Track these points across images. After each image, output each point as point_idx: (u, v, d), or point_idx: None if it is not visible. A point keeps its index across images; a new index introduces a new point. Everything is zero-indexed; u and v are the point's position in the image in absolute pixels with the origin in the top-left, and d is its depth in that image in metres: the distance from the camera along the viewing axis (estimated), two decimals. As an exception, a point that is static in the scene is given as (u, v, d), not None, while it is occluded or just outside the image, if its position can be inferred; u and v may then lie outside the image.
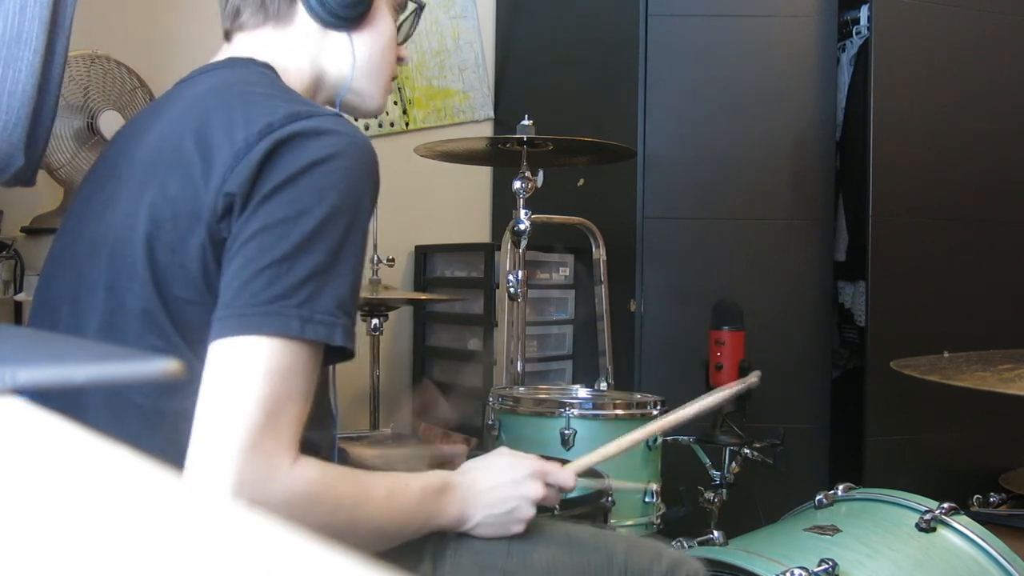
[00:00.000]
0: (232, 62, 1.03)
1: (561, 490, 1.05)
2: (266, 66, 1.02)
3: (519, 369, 1.94)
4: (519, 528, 0.99)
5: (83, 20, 1.33)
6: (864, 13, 2.61)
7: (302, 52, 1.05)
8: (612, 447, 1.13)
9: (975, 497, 2.03)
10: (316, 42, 1.06)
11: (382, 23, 1.09)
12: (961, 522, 1.47)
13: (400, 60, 1.13)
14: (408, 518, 0.91)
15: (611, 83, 2.63)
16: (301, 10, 1.04)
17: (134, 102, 2.00)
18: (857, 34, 2.65)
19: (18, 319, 1.97)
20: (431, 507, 0.93)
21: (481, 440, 1.69)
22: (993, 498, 2.04)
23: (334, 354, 0.86)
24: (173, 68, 1.16)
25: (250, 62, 1.02)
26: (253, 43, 1.05)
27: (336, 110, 1.01)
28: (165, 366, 0.46)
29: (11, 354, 0.53)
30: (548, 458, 1.06)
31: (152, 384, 0.82)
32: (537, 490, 0.99)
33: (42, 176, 1.31)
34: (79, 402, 0.89)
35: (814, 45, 2.48)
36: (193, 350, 0.84)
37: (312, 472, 0.81)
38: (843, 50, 2.66)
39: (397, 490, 0.90)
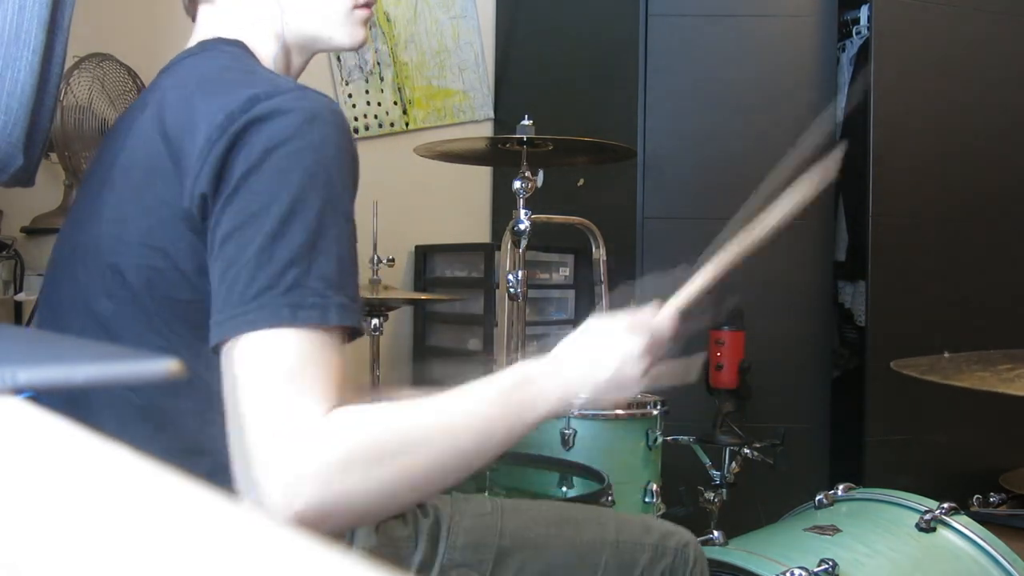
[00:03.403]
0: (203, 47, 1.00)
1: (664, 337, 0.97)
2: (235, 43, 0.99)
3: (519, 369, 1.93)
4: (635, 389, 0.94)
5: (83, 20, 1.33)
6: (864, 13, 2.61)
7: (262, 10, 1.01)
8: (696, 282, 1.06)
9: (975, 497, 2.03)
10: None
11: None
12: (961, 522, 1.47)
13: None
14: (487, 430, 0.84)
15: (611, 83, 2.63)
16: None
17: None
18: (857, 34, 2.65)
19: (18, 319, 1.96)
20: (511, 409, 0.86)
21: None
22: (993, 498, 2.04)
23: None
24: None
25: (219, 43, 0.99)
26: (215, 15, 1.02)
27: (299, 83, 0.93)
28: (166, 366, 0.46)
29: (11, 354, 0.53)
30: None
31: (148, 384, 0.81)
32: (636, 342, 0.93)
33: (42, 176, 1.31)
34: (87, 403, 0.89)
35: (814, 45, 2.48)
36: (193, 349, 0.84)
37: (352, 414, 0.76)
38: (843, 50, 2.66)
39: (456, 412, 0.83)
